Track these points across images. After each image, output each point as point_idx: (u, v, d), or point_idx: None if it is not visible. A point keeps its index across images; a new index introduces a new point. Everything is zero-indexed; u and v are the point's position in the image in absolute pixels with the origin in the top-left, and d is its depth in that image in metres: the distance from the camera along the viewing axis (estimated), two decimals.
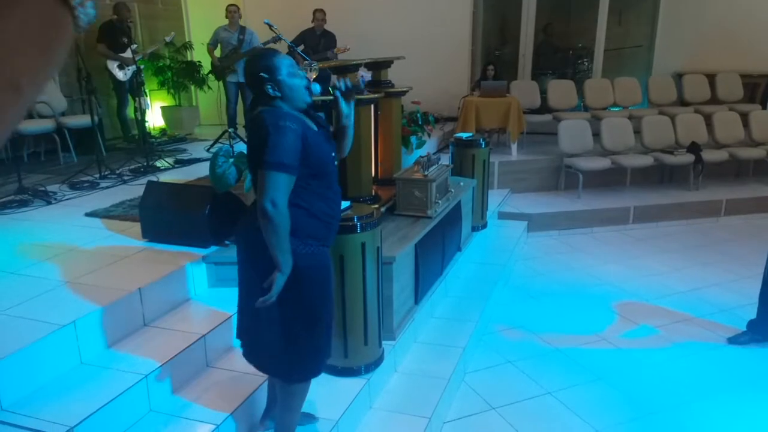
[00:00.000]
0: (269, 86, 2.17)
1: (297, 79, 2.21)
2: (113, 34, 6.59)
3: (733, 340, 4.02)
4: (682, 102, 8.09)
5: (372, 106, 3.99)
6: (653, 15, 8.56)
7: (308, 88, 2.25)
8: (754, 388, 3.52)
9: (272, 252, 2.11)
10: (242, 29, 7.02)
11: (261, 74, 2.17)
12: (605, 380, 3.60)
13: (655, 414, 3.29)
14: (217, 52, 7.05)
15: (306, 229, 2.21)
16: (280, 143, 2.06)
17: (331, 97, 2.42)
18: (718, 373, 3.70)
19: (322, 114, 2.80)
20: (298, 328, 2.30)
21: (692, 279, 5.10)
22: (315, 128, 2.27)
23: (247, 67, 2.24)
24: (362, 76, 4.88)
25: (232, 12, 6.98)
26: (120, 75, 6.69)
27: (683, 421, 3.24)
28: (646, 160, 6.73)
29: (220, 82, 7.38)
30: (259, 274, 2.18)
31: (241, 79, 6.99)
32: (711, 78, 8.11)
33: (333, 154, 2.36)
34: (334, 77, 2.42)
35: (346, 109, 2.42)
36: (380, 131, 4.33)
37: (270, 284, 2.11)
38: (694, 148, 6.89)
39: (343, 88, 2.35)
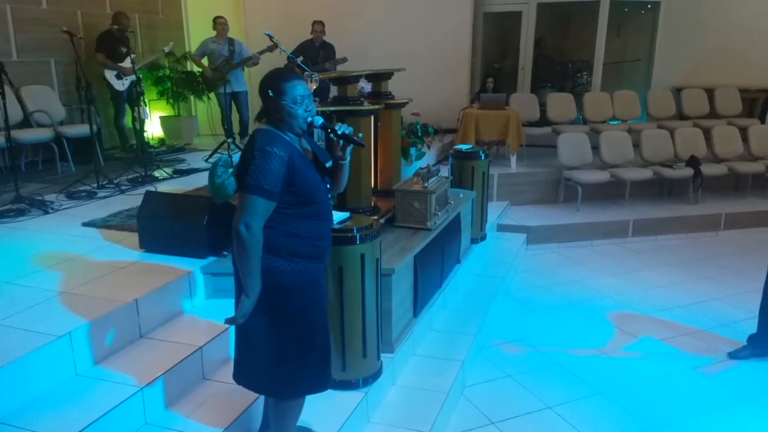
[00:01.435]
0: (272, 106, 2.19)
1: (300, 109, 2.19)
2: (112, 44, 6.60)
3: (734, 355, 3.99)
4: (681, 116, 8.12)
5: (372, 118, 3.98)
6: (652, 29, 8.61)
7: (309, 121, 2.24)
8: (754, 403, 3.50)
9: (240, 274, 2.12)
10: (231, 41, 7.03)
11: (268, 92, 2.19)
12: (605, 394, 3.57)
13: (656, 429, 3.26)
14: (205, 63, 7.04)
15: (287, 248, 2.20)
16: (263, 168, 2.07)
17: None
18: (719, 387, 3.67)
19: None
20: (287, 346, 2.28)
21: (692, 293, 5.08)
22: (309, 157, 2.26)
23: (261, 81, 2.25)
24: (362, 88, 4.89)
25: (222, 24, 7.01)
26: (117, 84, 6.69)
27: None
28: (645, 174, 6.74)
29: (213, 94, 7.38)
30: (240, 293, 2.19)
31: (235, 89, 7.00)
32: (710, 92, 8.15)
33: (327, 185, 2.36)
34: (346, 126, 2.38)
35: (340, 151, 2.38)
36: (380, 142, 4.32)
37: (240, 307, 2.14)
38: (693, 161, 6.90)
39: (339, 132, 2.33)
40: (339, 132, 2.34)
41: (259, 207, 2.08)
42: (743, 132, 7.36)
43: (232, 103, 7.13)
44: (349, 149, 2.39)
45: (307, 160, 2.26)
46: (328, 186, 2.39)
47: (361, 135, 2.52)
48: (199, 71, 8.05)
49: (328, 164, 2.40)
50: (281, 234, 2.17)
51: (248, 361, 2.35)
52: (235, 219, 2.08)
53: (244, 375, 2.40)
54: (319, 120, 2.32)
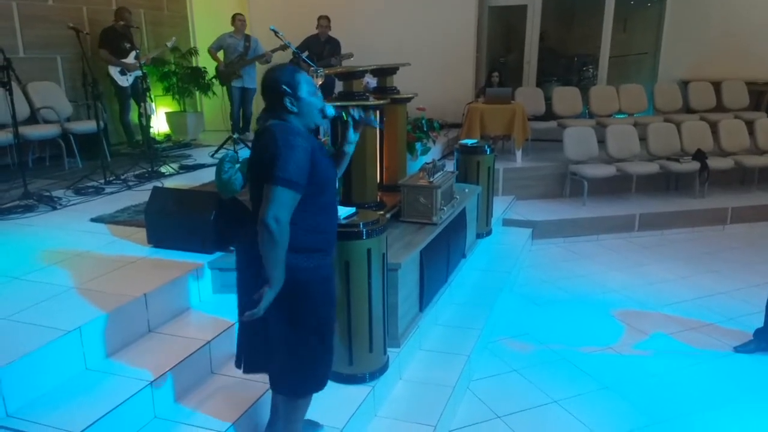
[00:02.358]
0: (288, 101, 2.19)
1: (315, 99, 2.24)
2: (115, 40, 6.61)
3: (740, 349, 3.99)
4: (688, 109, 8.07)
5: (377, 113, 3.98)
6: (658, 22, 8.55)
7: (322, 110, 2.29)
8: (761, 397, 3.50)
9: (266, 267, 2.11)
10: (247, 37, 7.16)
11: (284, 87, 2.18)
12: (612, 389, 3.58)
13: (662, 423, 3.26)
14: (220, 57, 7.12)
15: (307, 244, 2.21)
16: (291, 160, 2.06)
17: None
18: (726, 381, 3.67)
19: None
20: (307, 342, 2.29)
21: (698, 287, 5.07)
22: (323, 148, 2.30)
23: (267, 78, 2.23)
24: (368, 83, 4.89)
25: (241, 20, 7.16)
26: (121, 80, 6.71)
27: (690, 431, 3.21)
28: (652, 168, 6.72)
29: (224, 88, 7.45)
30: (253, 287, 2.17)
31: (246, 85, 7.10)
32: (716, 85, 8.10)
33: (337, 173, 2.40)
34: (360, 111, 2.46)
35: (353, 136, 2.47)
36: (385, 137, 4.32)
37: (259, 298, 2.12)
38: (699, 155, 6.87)
39: (356, 116, 2.41)
40: (356, 117, 2.38)
41: (288, 199, 2.07)
42: (750, 125, 7.31)
43: (242, 98, 7.22)
44: (358, 134, 2.47)
45: (323, 151, 2.28)
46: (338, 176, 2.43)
47: (372, 116, 2.59)
48: (204, 66, 8.10)
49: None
50: (300, 230, 2.17)
51: (262, 357, 2.36)
52: (262, 212, 2.06)
53: (258, 366, 2.42)
54: (331, 110, 2.35)
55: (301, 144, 2.10)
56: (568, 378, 3.70)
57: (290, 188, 2.07)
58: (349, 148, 2.49)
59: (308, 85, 2.22)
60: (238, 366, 2.48)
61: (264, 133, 2.17)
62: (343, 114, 2.41)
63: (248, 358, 2.43)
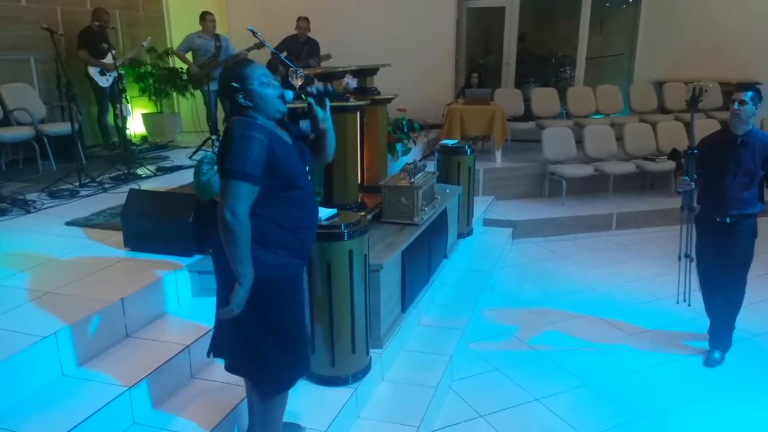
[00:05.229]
0: (240, 96, 2.15)
1: (269, 89, 2.18)
2: (93, 40, 6.52)
3: (710, 362, 3.87)
4: (663, 110, 8.19)
5: (358, 113, 3.98)
6: (634, 24, 8.67)
7: (282, 98, 2.22)
8: (736, 393, 3.56)
9: (231, 263, 2.08)
10: (217, 37, 7.00)
11: (232, 83, 2.14)
12: (591, 386, 3.61)
13: (642, 419, 3.30)
14: (189, 58, 7.00)
15: (276, 240, 2.18)
16: (244, 152, 2.04)
17: (305, 104, 2.42)
18: (703, 378, 3.73)
19: (303, 123, 2.80)
20: (264, 340, 2.25)
21: (675, 285, 5.11)
22: (289, 140, 2.24)
23: (221, 77, 2.21)
24: (348, 83, 4.87)
25: (212, 21, 6.98)
26: (101, 81, 6.62)
27: (669, 427, 3.25)
28: (628, 167, 6.80)
29: (198, 90, 7.34)
30: (229, 286, 2.14)
31: None
32: None
33: (307, 168, 2.33)
34: (317, 86, 2.42)
35: (321, 113, 2.41)
36: (366, 138, 4.31)
37: (232, 297, 2.10)
38: (674, 155, 6.96)
39: (315, 92, 2.36)
40: (315, 92, 2.35)
41: (243, 192, 2.04)
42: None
43: (218, 101, 7.09)
44: (327, 108, 2.41)
45: (287, 145, 2.22)
46: (307, 169, 2.35)
47: (330, 86, 2.55)
48: (182, 67, 7.99)
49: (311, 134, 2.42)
50: (269, 223, 2.15)
51: (233, 354, 2.34)
52: (219, 207, 2.05)
53: (233, 365, 2.38)
54: (290, 94, 2.29)
55: (257, 136, 2.07)
56: (549, 376, 3.73)
57: (245, 180, 2.04)
58: (324, 124, 2.42)
59: (259, 77, 2.16)
60: (208, 354, 2.44)
61: (225, 129, 2.16)
62: (303, 97, 2.36)
63: (215, 344, 2.40)
